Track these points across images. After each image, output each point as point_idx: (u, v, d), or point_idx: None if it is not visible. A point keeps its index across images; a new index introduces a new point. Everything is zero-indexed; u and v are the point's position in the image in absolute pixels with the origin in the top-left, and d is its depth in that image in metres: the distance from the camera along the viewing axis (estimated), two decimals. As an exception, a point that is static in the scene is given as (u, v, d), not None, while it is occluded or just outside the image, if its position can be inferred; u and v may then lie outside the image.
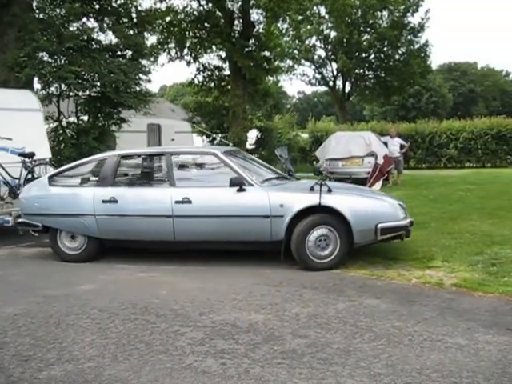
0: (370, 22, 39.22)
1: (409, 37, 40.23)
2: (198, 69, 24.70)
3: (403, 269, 7.15)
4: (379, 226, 7.11)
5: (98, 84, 14.71)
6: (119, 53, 15.31)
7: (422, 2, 38.62)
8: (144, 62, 16.15)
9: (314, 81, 44.43)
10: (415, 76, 40.65)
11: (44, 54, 14.44)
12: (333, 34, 40.62)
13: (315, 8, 35.61)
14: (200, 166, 8.72)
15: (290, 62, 39.71)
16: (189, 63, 24.16)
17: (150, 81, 16.15)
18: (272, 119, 30.84)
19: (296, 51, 40.45)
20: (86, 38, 14.17)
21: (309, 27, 38.23)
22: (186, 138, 22.62)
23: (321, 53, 42.69)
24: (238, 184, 7.34)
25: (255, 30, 23.74)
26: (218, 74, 25.07)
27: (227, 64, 24.33)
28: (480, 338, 4.67)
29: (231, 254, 8.01)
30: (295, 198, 7.36)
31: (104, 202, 7.74)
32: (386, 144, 18.68)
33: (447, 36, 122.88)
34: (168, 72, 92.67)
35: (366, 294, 6.08)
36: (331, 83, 43.83)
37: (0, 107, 10.39)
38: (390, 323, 5.08)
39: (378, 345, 4.55)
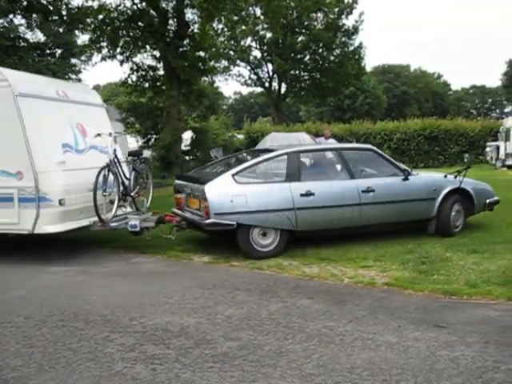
0: (306, 23, 39.64)
1: (343, 39, 40.89)
2: (131, 68, 24.30)
3: (336, 269, 7.23)
4: (487, 201, 9.60)
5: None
6: (48, 51, 14.86)
7: (356, 5, 39.37)
8: (75, 61, 15.76)
9: (249, 82, 44.64)
10: (350, 77, 41.35)
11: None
12: (268, 35, 40.87)
13: (251, 9, 35.65)
14: (360, 159, 9.50)
15: (225, 63, 39.76)
16: (122, 63, 23.74)
17: (80, 80, 15.81)
18: (207, 120, 30.73)
19: (231, 52, 40.49)
20: (12, 36, 13.66)
21: (244, 28, 38.23)
22: (120, 138, 22.23)
23: (256, 54, 42.93)
24: (408, 174, 8.95)
25: (190, 29, 23.56)
26: (152, 74, 24.73)
27: (161, 64, 24.06)
28: (409, 336, 4.75)
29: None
30: (442, 183, 9.23)
31: (302, 195, 8.14)
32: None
33: (381, 38, 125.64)
34: (102, 71, 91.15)
35: (299, 294, 6.09)
36: (267, 84, 44.10)
37: (82, 101, 9.67)
38: (322, 323, 5.10)
39: (310, 345, 4.56)
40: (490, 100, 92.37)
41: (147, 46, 23.77)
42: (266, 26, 39.20)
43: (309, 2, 36.33)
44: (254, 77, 44.17)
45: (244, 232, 7.99)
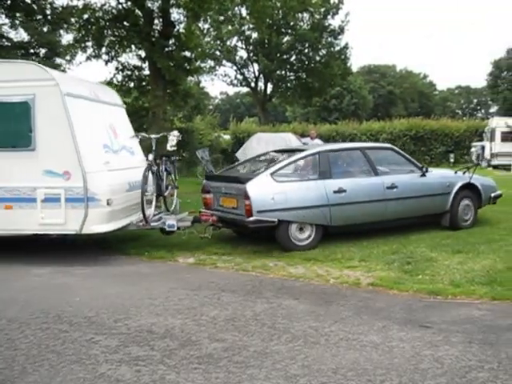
0: (291, 23, 39.61)
1: (329, 39, 40.84)
2: (116, 68, 24.12)
3: (322, 269, 7.24)
4: (492, 195, 10.28)
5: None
6: (32, 51, 14.72)
7: (342, 5, 39.39)
8: (59, 60, 15.62)
9: (235, 82, 44.48)
10: (336, 78, 41.31)
11: None
12: (254, 35, 40.80)
13: (236, 9, 35.60)
14: (382, 157, 9.91)
15: (211, 63, 39.63)
16: (107, 62, 23.56)
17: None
18: (193, 120, 30.61)
19: (217, 52, 40.37)
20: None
21: (230, 28, 38.23)
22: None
23: (242, 54, 42.83)
24: (426, 171, 9.58)
25: (175, 29, 23.41)
26: (137, 73, 24.55)
27: (147, 64, 23.93)
28: (394, 336, 4.76)
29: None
30: (453, 178, 9.89)
31: (334, 192, 8.59)
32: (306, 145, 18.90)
33: (367, 38, 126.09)
34: (87, 71, 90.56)
35: (284, 295, 6.09)
36: (253, 84, 43.99)
37: (110, 102, 9.62)
38: (308, 324, 5.10)
39: (295, 346, 4.55)
40: (475, 100, 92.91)
41: (132, 46, 23.59)
42: (251, 26, 39.13)
43: (294, 2, 36.25)
44: (240, 77, 44.06)
45: (284, 228, 8.34)
